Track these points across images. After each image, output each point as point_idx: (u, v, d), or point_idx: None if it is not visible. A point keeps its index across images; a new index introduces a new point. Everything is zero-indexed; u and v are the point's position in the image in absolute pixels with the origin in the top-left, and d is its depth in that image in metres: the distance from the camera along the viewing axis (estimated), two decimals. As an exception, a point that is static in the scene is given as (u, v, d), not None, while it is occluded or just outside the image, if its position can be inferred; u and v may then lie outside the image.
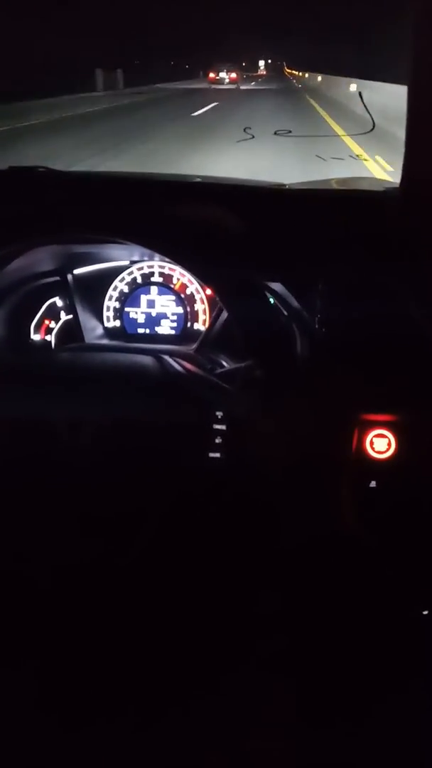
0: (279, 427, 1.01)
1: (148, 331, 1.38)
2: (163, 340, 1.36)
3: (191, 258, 1.11)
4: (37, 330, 1.32)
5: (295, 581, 1.09)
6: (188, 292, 1.36)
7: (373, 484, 1.01)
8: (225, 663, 1.08)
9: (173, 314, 1.37)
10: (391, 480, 1.01)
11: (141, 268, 1.37)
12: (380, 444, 1.00)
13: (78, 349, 1.26)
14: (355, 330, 1.06)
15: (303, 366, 1.03)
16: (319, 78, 22.30)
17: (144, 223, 1.14)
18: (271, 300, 1.10)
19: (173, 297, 1.37)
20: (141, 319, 1.38)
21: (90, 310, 1.37)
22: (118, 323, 1.39)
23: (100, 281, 1.37)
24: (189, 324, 1.37)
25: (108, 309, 1.38)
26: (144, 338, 1.37)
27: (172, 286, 1.36)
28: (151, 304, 1.38)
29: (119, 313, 1.38)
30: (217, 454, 1.04)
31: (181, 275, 1.35)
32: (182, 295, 1.36)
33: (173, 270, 1.36)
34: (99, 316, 1.38)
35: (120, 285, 1.37)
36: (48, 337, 1.33)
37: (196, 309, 1.36)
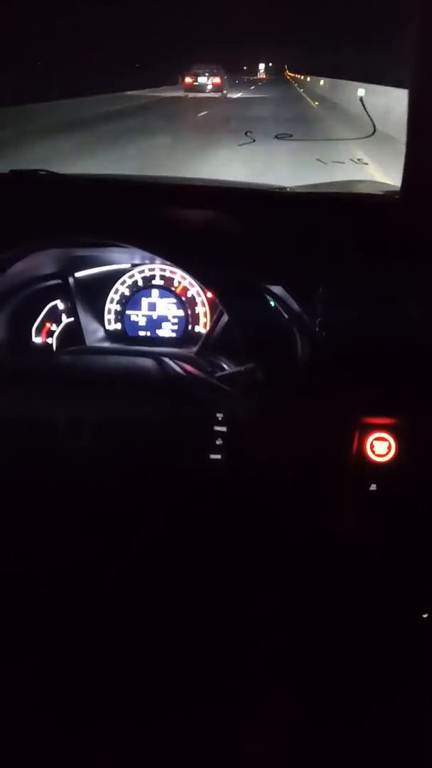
0: (279, 429, 1.01)
1: (149, 333, 1.39)
2: (164, 342, 1.36)
3: (192, 261, 1.11)
4: (38, 333, 1.32)
5: (295, 583, 1.09)
6: (189, 295, 1.36)
7: (373, 487, 1.01)
8: (225, 663, 1.08)
9: (174, 317, 1.37)
10: (391, 483, 1.01)
11: (142, 271, 1.37)
12: (380, 447, 1.00)
13: (79, 352, 1.27)
14: (356, 333, 1.06)
15: (303, 369, 1.03)
16: (321, 82, 20.72)
17: (145, 227, 1.14)
18: (272, 303, 1.10)
19: (174, 300, 1.37)
20: (142, 322, 1.38)
21: (91, 313, 1.37)
22: (119, 326, 1.39)
23: (101, 284, 1.37)
24: (190, 327, 1.37)
25: (109, 312, 1.39)
26: (145, 341, 1.37)
27: (173, 289, 1.37)
28: (152, 307, 1.38)
29: (120, 316, 1.39)
30: (218, 456, 1.04)
31: (182, 278, 1.36)
32: (183, 298, 1.36)
33: (174, 273, 1.36)
34: (100, 319, 1.39)
35: (121, 288, 1.38)
36: (49, 340, 1.34)
37: (197, 312, 1.36)
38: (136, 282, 1.38)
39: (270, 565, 1.09)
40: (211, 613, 1.11)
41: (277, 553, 1.07)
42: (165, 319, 1.38)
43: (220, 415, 1.03)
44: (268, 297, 1.11)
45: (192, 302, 1.36)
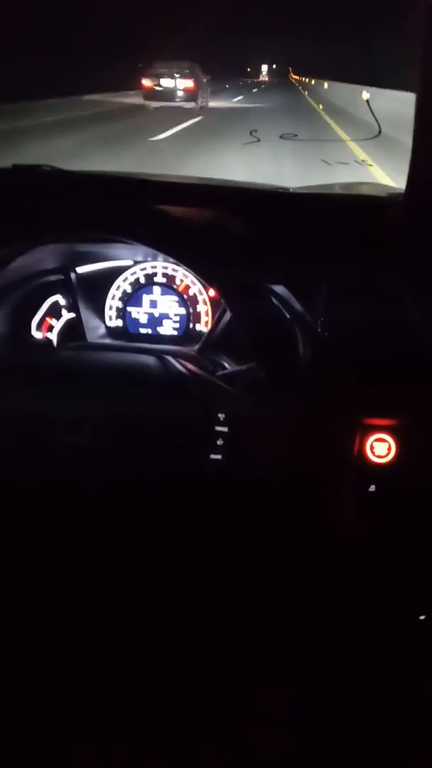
0: (280, 429, 1.01)
1: (150, 331, 1.38)
2: (166, 340, 1.36)
3: (195, 258, 1.11)
4: (39, 328, 1.32)
5: (295, 583, 1.09)
6: (191, 293, 1.36)
7: (372, 488, 1.01)
8: (225, 663, 1.08)
9: (176, 315, 1.37)
10: (390, 484, 1.01)
11: (144, 268, 1.37)
12: (380, 448, 1.00)
13: (80, 348, 1.26)
14: (358, 333, 1.06)
15: (305, 369, 1.03)
16: (326, 85, 19.09)
17: (149, 223, 1.14)
18: (274, 302, 1.10)
19: (176, 298, 1.37)
20: (143, 319, 1.38)
21: (92, 309, 1.37)
22: (120, 323, 1.39)
23: (103, 280, 1.37)
24: (191, 325, 1.37)
25: (110, 308, 1.38)
26: (146, 338, 1.37)
27: (175, 286, 1.37)
28: (153, 304, 1.38)
29: (122, 313, 1.38)
30: (219, 456, 1.04)
31: (184, 276, 1.36)
32: (185, 296, 1.36)
33: (176, 270, 1.36)
34: (101, 316, 1.38)
35: (123, 285, 1.38)
36: (50, 336, 1.33)
37: (198, 310, 1.36)
38: (137, 279, 1.37)
39: (270, 564, 1.08)
40: (212, 613, 1.11)
41: (277, 553, 1.07)
42: (166, 316, 1.37)
43: (221, 415, 1.03)
44: (271, 296, 1.11)
45: (194, 300, 1.36)
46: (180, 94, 13.62)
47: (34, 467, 1.08)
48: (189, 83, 13.69)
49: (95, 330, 1.36)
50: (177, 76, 13.57)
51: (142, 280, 1.37)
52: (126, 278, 1.37)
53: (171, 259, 1.30)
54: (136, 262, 1.36)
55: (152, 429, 1.06)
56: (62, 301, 1.34)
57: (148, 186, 1.43)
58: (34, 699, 1.04)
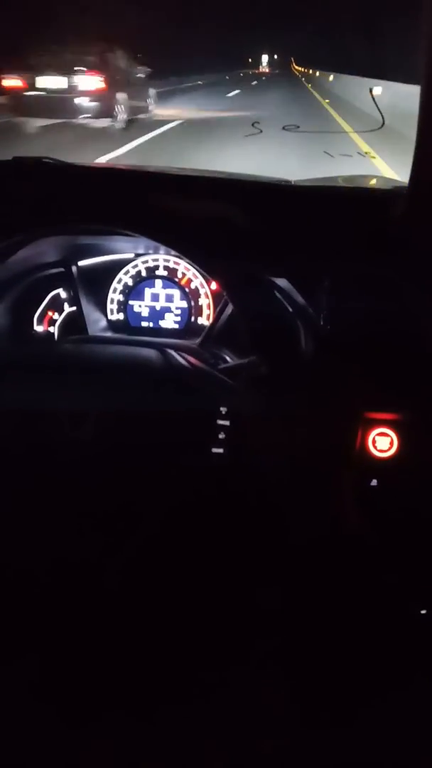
0: (282, 423, 1.01)
1: (151, 324, 1.38)
2: (167, 334, 1.36)
3: (197, 251, 1.11)
4: (40, 321, 1.32)
5: (296, 578, 1.09)
6: (193, 286, 1.35)
7: (374, 482, 1.01)
8: (226, 660, 1.08)
9: (177, 308, 1.37)
10: (392, 479, 1.01)
11: (146, 262, 1.36)
12: (383, 442, 1.00)
13: (81, 341, 1.26)
14: (360, 327, 1.06)
15: (307, 362, 1.03)
16: (331, 78, 17.97)
17: (151, 216, 1.14)
18: (277, 295, 1.10)
19: (178, 291, 1.36)
20: (145, 312, 1.38)
21: (94, 303, 1.36)
22: (121, 316, 1.38)
23: (104, 273, 1.37)
24: (193, 318, 1.36)
25: (112, 302, 1.38)
26: (147, 332, 1.37)
27: (176, 280, 1.36)
28: (155, 297, 1.37)
29: (123, 306, 1.38)
30: (220, 450, 1.03)
31: (186, 269, 1.35)
32: (187, 290, 1.36)
33: (178, 264, 1.35)
34: (103, 309, 1.38)
35: (124, 278, 1.37)
36: (51, 329, 1.33)
37: (200, 303, 1.36)
38: (139, 272, 1.37)
39: (271, 559, 1.09)
40: (212, 609, 1.11)
41: (278, 547, 1.07)
42: (168, 310, 1.37)
43: (223, 409, 1.03)
44: (273, 290, 1.10)
45: (195, 294, 1.36)
46: (77, 102, 7.60)
47: (36, 461, 1.08)
48: (94, 82, 7.64)
49: (96, 323, 1.35)
50: (69, 70, 7.64)
51: (144, 273, 1.37)
52: (127, 271, 1.37)
53: (173, 252, 1.30)
54: (137, 255, 1.36)
55: (154, 423, 1.06)
56: (63, 295, 1.33)
57: (149, 178, 1.42)
58: (33, 696, 1.05)
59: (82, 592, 1.09)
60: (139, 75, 9.48)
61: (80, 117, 7.73)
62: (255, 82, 25.50)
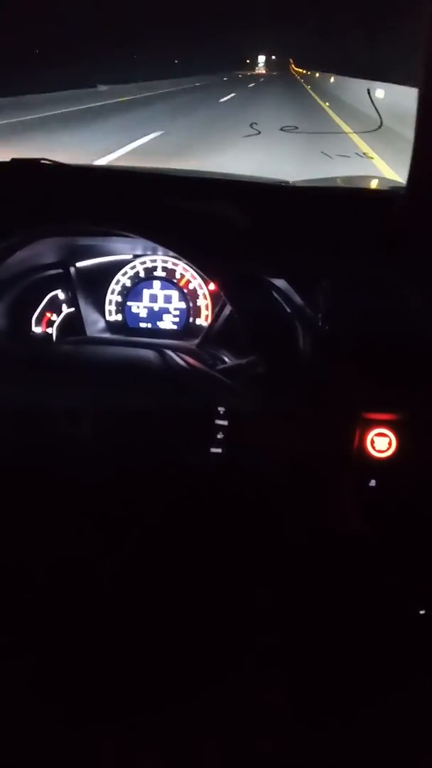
0: (280, 423, 1.01)
1: (150, 325, 1.38)
2: (165, 334, 1.36)
3: (196, 252, 1.11)
4: (38, 322, 1.32)
5: (294, 578, 1.09)
6: (191, 287, 1.35)
7: (373, 482, 1.01)
8: (224, 660, 1.08)
9: (176, 309, 1.37)
10: (391, 479, 1.01)
11: (144, 262, 1.36)
12: (381, 443, 1.00)
13: (79, 342, 1.26)
14: (358, 327, 1.06)
15: (305, 363, 1.03)
16: (332, 79, 16.90)
17: (149, 217, 1.14)
18: (275, 296, 1.10)
19: (176, 292, 1.36)
20: (143, 313, 1.38)
21: (92, 304, 1.36)
22: (119, 317, 1.38)
23: (102, 274, 1.37)
24: (191, 319, 1.36)
25: (110, 303, 1.38)
26: (146, 332, 1.37)
27: (175, 280, 1.36)
28: (153, 298, 1.37)
29: (121, 307, 1.38)
30: (219, 450, 1.03)
31: (184, 270, 1.35)
32: (185, 290, 1.36)
33: (176, 264, 1.35)
34: (101, 310, 1.38)
35: (122, 279, 1.37)
36: (49, 330, 1.33)
37: (198, 304, 1.36)
38: (137, 273, 1.37)
39: (268, 559, 1.09)
40: (210, 609, 1.11)
41: (276, 547, 1.07)
42: (166, 310, 1.37)
43: (221, 409, 1.03)
44: (271, 290, 1.10)
45: (194, 294, 1.36)
46: None
47: (34, 461, 1.08)
48: None
49: (95, 324, 1.35)
50: None
51: (142, 274, 1.37)
52: (126, 272, 1.37)
53: (171, 253, 1.30)
54: (135, 256, 1.36)
55: (152, 423, 1.06)
56: (62, 296, 1.33)
57: (147, 179, 1.42)
58: (32, 695, 1.05)
59: (80, 591, 1.09)
60: None
61: None
62: (252, 84, 24.33)
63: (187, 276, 1.35)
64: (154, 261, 1.36)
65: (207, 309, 1.35)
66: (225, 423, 1.03)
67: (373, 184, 1.60)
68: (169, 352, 1.12)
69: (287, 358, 1.04)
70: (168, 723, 1.01)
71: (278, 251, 1.12)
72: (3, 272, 1.21)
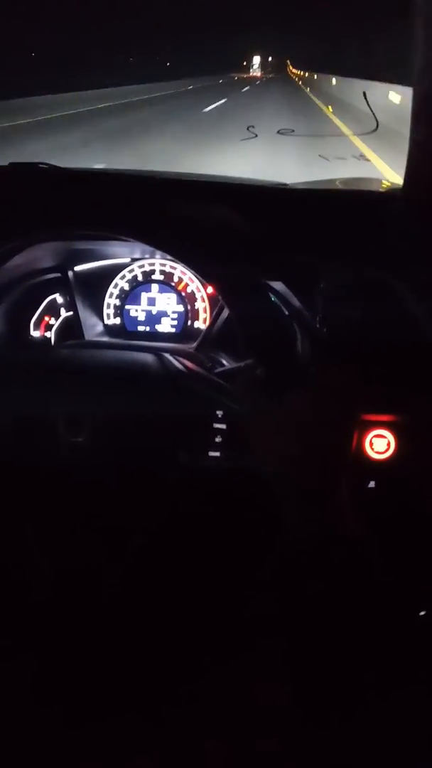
0: (279, 426, 1.01)
1: (148, 329, 1.38)
2: (164, 338, 1.36)
3: (193, 255, 1.11)
4: (36, 327, 1.32)
5: (293, 581, 1.09)
6: (189, 290, 1.36)
7: (371, 484, 1.01)
8: (224, 663, 1.08)
9: (174, 312, 1.37)
10: (389, 481, 1.01)
11: (142, 266, 1.36)
12: (380, 444, 1.00)
13: (78, 346, 1.26)
14: (356, 330, 1.06)
15: (303, 365, 1.03)
16: (333, 81, 15.71)
17: (146, 221, 1.14)
18: (273, 299, 1.10)
19: (174, 295, 1.36)
20: (141, 316, 1.38)
21: (90, 308, 1.36)
22: (118, 321, 1.38)
23: (100, 278, 1.37)
24: (189, 322, 1.36)
25: (108, 306, 1.38)
26: (144, 336, 1.37)
27: (173, 284, 1.36)
28: (151, 302, 1.37)
29: (119, 311, 1.38)
30: (217, 453, 1.04)
31: (182, 273, 1.35)
32: (183, 294, 1.36)
33: (174, 268, 1.35)
34: (99, 314, 1.38)
35: (121, 282, 1.37)
36: (48, 334, 1.33)
37: (196, 307, 1.36)
38: (135, 277, 1.37)
39: (268, 562, 1.09)
40: (211, 611, 1.11)
41: (276, 550, 1.07)
42: (164, 314, 1.37)
43: (219, 412, 1.03)
44: (269, 293, 1.10)
45: (192, 298, 1.36)
46: None
47: (32, 464, 1.08)
48: None
49: (93, 328, 1.36)
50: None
51: (140, 278, 1.37)
52: (124, 276, 1.37)
53: (169, 257, 1.30)
54: (133, 260, 1.36)
55: (150, 427, 1.06)
56: (60, 300, 1.34)
57: (145, 183, 1.43)
58: (33, 696, 1.05)
59: (81, 595, 1.09)
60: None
61: None
62: (247, 88, 22.32)
63: (185, 279, 1.35)
64: (152, 264, 1.36)
65: (205, 312, 1.35)
66: (223, 426, 1.03)
67: (372, 187, 1.60)
68: (168, 356, 1.12)
69: (285, 360, 1.04)
70: (169, 724, 1.01)
71: (276, 254, 1.13)
72: (1, 276, 1.21)
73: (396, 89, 8.40)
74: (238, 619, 1.11)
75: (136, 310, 1.38)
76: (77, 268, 1.34)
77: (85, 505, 1.07)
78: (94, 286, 1.37)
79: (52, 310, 1.33)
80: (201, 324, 1.36)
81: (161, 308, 1.37)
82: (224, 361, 1.19)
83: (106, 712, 1.03)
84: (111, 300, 1.38)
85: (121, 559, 1.08)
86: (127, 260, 1.36)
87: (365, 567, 1.04)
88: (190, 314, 1.36)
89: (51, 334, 1.33)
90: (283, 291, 1.11)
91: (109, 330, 1.38)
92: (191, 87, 21.19)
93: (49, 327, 1.33)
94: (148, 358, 1.12)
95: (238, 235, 1.15)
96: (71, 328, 1.33)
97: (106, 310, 1.38)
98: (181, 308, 1.36)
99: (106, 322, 1.39)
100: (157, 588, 1.10)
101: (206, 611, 1.12)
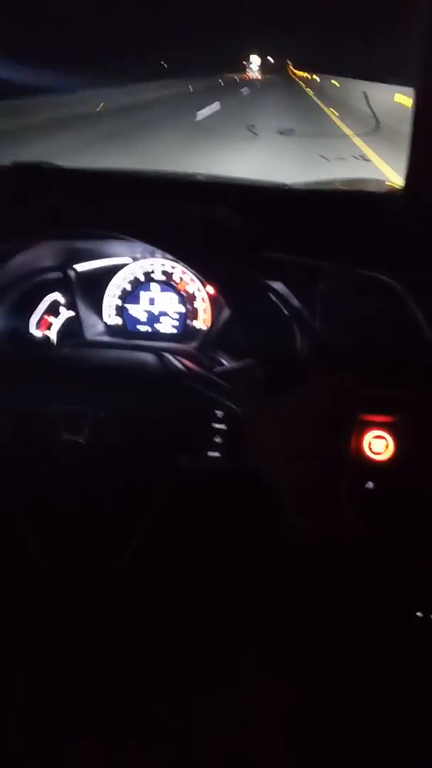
0: (278, 426, 1.01)
1: (148, 328, 1.38)
2: (164, 337, 1.36)
3: (194, 255, 1.11)
4: (37, 326, 1.32)
5: (292, 580, 1.09)
6: (189, 290, 1.36)
7: (370, 484, 1.01)
8: (223, 663, 1.09)
9: (174, 312, 1.37)
10: (388, 481, 1.01)
11: (143, 266, 1.36)
12: (378, 445, 1.00)
13: (78, 346, 1.26)
14: (355, 330, 1.06)
15: (303, 365, 1.03)
16: (336, 83, 14.29)
17: (148, 220, 1.14)
18: (272, 299, 1.10)
19: (174, 295, 1.36)
20: (142, 316, 1.38)
21: (91, 307, 1.36)
22: (119, 320, 1.39)
23: (101, 278, 1.37)
24: (190, 322, 1.36)
25: (109, 306, 1.38)
26: (145, 336, 1.37)
27: (173, 284, 1.36)
28: (152, 301, 1.37)
29: (120, 310, 1.38)
30: (217, 453, 1.04)
31: (182, 273, 1.35)
32: (183, 293, 1.36)
33: (175, 268, 1.36)
34: (100, 313, 1.38)
35: (121, 282, 1.37)
36: (48, 333, 1.33)
37: (197, 307, 1.36)
38: (136, 276, 1.37)
39: (267, 562, 1.09)
40: (211, 610, 1.11)
41: (275, 550, 1.08)
42: (165, 314, 1.37)
43: (219, 412, 1.03)
44: (269, 293, 1.11)
45: (192, 298, 1.36)
46: None
47: (32, 463, 1.08)
48: None
49: (94, 328, 1.36)
50: None
51: (141, 278, 1.37)
52: (124, 276, 1.37)
53: (169, 256, 1.30)
54: (134, 260, 1.36)
55: (150, 426, 1.06)
56: (61, 299, 1.34)
57: (146, 182, 1.43)
58: (33, 696, 1.05)
59: (81, 594, 1.09)
60: None
61: None
62: (246, 90, 19.98)
63: (186, 279, 1.35)
64: (153, 264, 1.36)
65: (205, 312, 1.35)
66: (223, 426, 1.03)
67: (372, 187, 1.60)
68: (168, 356, 1.12)
69: (285, 360, 1.04)
70: (168, 723, 1.01)
71: (276, 254, 1.13)
72: (1, 276, 1.22)
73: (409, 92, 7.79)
74: (237, 618, 1.11)
75: (137, 310, 1.38)
76: (78, 268, 1.34)
77: (83, 502, 1.07)
78: (94, 286, 1.37)
79: (53, 309, 1.33)
80: (201, 324, 1.36)
81: (162, 308, 1.37)
82: (224, 361, 1.19)
83: (105, 711, 1.03)
84: (111, 299, 1.38)
85: (121, 558, 1.08)
86: (127, 260, 1.36)
87: (364, 567, 1.05)
88: (190, 314, 1.36)
89: (52, 334, 1.34)
90: (283, 291, 1.11)
91: (110, 329, 1.38)
92: (193, 88, 18.18)
93: (50, 326, 1.33)
94: (149, 357, 1.12)
95: (238, 235, 1.15)
96: (72, 328, 1.33)
97: (106, 310, 1.38)
98: (181, 308, 1.37)
99: (107, 321, 1.39)
100: (156, 587, 1.11)
101: (205, 610, 1.12)
